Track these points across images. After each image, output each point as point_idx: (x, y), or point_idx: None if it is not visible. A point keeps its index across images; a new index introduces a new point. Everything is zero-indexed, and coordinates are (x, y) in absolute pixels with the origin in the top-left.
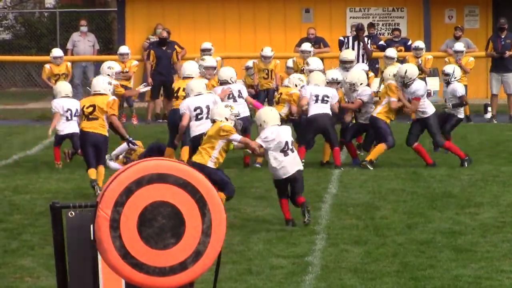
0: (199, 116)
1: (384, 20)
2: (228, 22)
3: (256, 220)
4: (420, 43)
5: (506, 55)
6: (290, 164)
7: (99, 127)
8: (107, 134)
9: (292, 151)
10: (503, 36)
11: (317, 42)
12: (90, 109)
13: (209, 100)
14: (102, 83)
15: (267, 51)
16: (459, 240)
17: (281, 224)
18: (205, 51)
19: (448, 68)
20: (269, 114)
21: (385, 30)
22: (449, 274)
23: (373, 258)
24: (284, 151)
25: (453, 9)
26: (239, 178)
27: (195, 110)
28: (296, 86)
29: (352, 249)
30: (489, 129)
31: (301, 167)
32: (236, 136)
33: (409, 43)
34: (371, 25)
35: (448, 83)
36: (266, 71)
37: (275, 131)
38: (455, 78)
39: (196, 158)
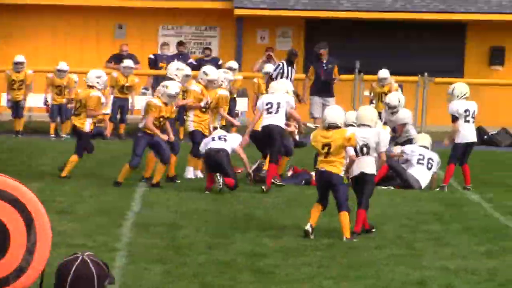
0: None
1: (196, 39)
2: (40, 35)
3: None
4: (233, 63)
5: (334, 82)
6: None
7: None
8: None
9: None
10: (324, 61)
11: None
12: None
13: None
14: None
15: (63, 66)
16: (260, 262)
17: (80, 240)
18: (18, 64)
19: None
20: None
21: (197, 49)
22: None
23: (174, 278)
24: None
25: (265, 30)
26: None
27: None
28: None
29: (153, 268)
30: None
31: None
32: None
33: (220, 62)
34: (180, 44)
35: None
36: (60, 87)
37: None
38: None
39: None
